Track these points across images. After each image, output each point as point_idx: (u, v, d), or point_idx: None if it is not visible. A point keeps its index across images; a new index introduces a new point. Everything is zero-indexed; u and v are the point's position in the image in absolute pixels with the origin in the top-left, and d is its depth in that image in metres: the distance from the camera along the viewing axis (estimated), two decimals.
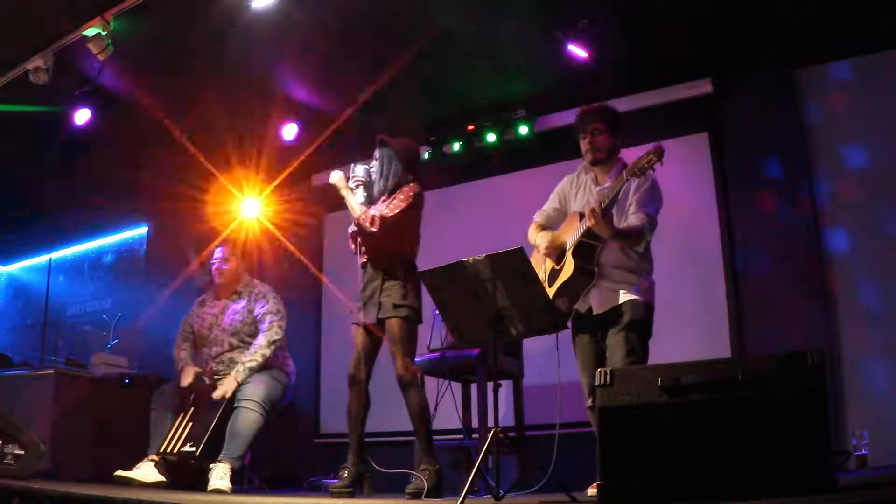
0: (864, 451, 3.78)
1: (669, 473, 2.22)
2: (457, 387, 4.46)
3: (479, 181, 5.78)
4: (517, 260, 2.79)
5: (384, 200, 3.55)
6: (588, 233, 3.07)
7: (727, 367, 2.26)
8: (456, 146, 5.59)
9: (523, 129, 5.36)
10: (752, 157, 4.80)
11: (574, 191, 3.36)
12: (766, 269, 4.61)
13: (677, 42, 4.61)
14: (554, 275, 3.20)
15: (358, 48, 4.65)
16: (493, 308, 2.87)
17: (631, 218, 3.09)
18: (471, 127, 5.51)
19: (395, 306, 3.39)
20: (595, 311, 3.12)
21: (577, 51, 4.45)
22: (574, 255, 3.11)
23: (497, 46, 4.64)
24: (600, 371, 2.40)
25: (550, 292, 3.14)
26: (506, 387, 4.36)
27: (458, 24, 4.37)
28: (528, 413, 4.48)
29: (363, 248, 3.52)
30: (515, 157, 5.53)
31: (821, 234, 4.52)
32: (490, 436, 2.77)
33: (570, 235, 3.18)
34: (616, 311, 3.07)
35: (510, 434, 3.58)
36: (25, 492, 3.13)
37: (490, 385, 3.28)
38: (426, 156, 5.63)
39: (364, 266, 3.55)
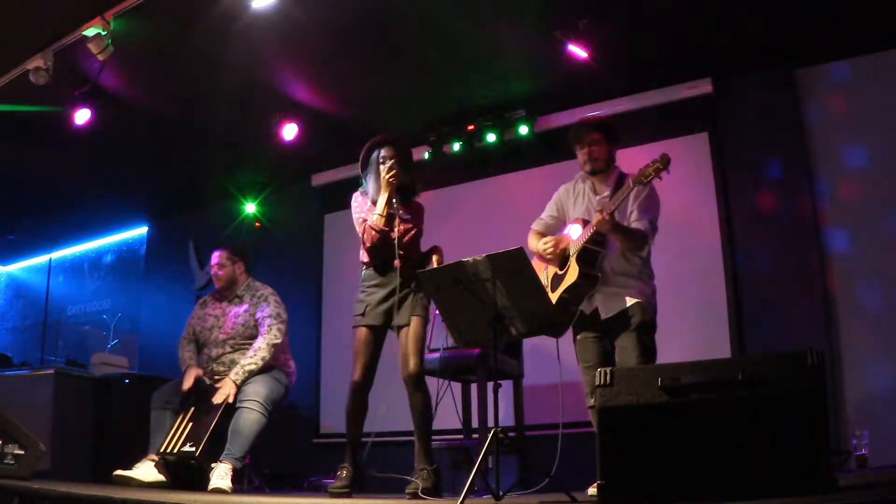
0: (864, 451, 3.78)
1: (669, 473, 2.22)
2: (457, 387, 4.46)
3: (479, 181, 5.78)
4: (517, 260, 2.79)
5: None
6: (592, 239, 3.16)
7: (727, 367, 2.26)
8: (456, 146, 5.59)
9: (523, 129, 5.36)
10: (752, 157, 4.80)
11: (572, 199, 3.45)
12: (766, 269, 4.61)
13: (677, 42, 4.61)
14: (557, 279, 3.26)
15: (358, 48, 4.64)
16: (493, 308, 2.87)
17: (634, 224, 3.18)
18: (471, 127, 5.51)
19: (425, 307, 3.46)
20: (603, 316, 3.21)
21: (577, 51, 4.44)
22: (578, 260, 3.17)
23: (497, 46, 4.64)
24: (600, 371, 2.40)
25: (554, 297, 3.20)
26: (506, 387, 4.36)
27: (457, 24, 4.37)
28: (528, 413, 4.48)
29: (400, 253, 3.47)
30: (515, 157, 5.53)
31: (821, 234, 4.51)
32: (490, 436, 2.77)
33: (574, 241, 3.24)
34: (624, 314, 3.16)
35: (510, 434, 3.59)
36: (25, 492, 3.13)
37: (490, 385, 3.28)
38: (426, 156, 5.63)
39: (400, 270, 3.45)
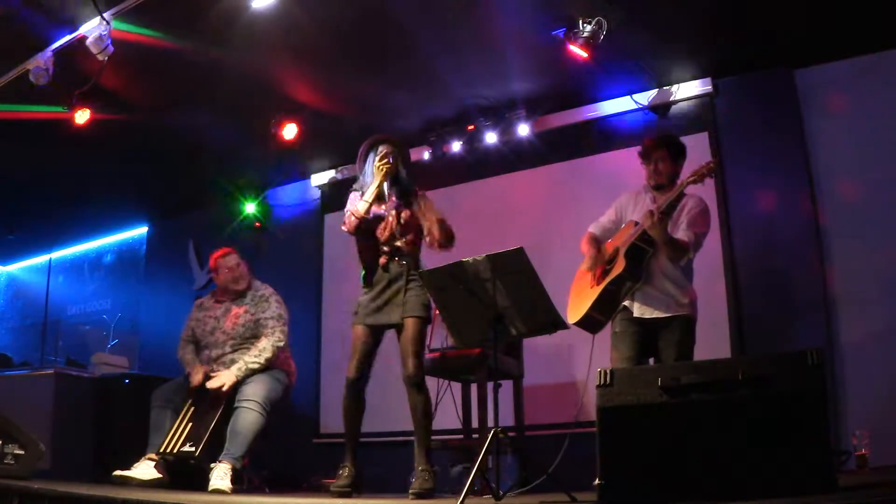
0: (864, 451, 3.78)
1: (669, 473, 2.22)
2: (457, 387, 4.46)
3: (479, 181, 5.78)
4: (517, 260, 2.79)
5: (396, 204, 3.56)
6: (642, 236, 3.30)
7: (727, 367, 2.26)
8: (456, 146, 5.59)
9: (523, 130, 5.36)
10: (752, 157, 4.79)
11: (632, 206, 3.60)
12: (766, 269, 4.60)
13: (678, 42, 4.61)
14: (604, 274, 3.40)
15: (358, 48, 4.64)
16: (493, 308, 2.87)
17: (679, 233, 3.32)
18: (471, 127, 5.51)
19: (424, 306, 3.45)
20: (645, 315, 3.34)
21: (577, 51, 4.44)
22: (626, 255, 3.29)
23: (497, 46, 4.64)
24: (600, 371, 2.41)
25: (598, 290, 3.34)
26: (506, 387, 4.36)
27: (457, 23, 4.37)
28: (528, 413, 4.48)
29: (385, 249, 3.50)
30: (515, 157, 5.53)
31: (821, 234, 4.51)
32: (490, 436, 2.77)
33: (625, 239, 3.39)
34: (666, 323, 3.32)
35: (510, 434, 3.59)
36: (25, 492, 3.13)
37: (490, 385, 3.28)
38: (426, 156, 5.63)
39: (386, 267, 3.51)
